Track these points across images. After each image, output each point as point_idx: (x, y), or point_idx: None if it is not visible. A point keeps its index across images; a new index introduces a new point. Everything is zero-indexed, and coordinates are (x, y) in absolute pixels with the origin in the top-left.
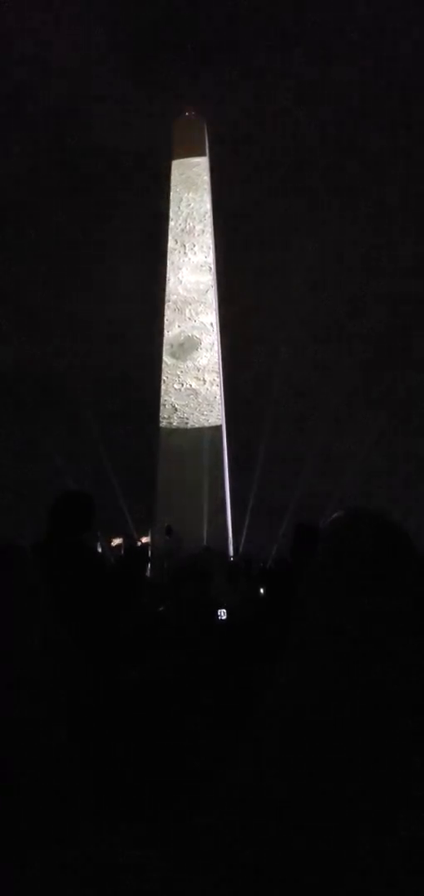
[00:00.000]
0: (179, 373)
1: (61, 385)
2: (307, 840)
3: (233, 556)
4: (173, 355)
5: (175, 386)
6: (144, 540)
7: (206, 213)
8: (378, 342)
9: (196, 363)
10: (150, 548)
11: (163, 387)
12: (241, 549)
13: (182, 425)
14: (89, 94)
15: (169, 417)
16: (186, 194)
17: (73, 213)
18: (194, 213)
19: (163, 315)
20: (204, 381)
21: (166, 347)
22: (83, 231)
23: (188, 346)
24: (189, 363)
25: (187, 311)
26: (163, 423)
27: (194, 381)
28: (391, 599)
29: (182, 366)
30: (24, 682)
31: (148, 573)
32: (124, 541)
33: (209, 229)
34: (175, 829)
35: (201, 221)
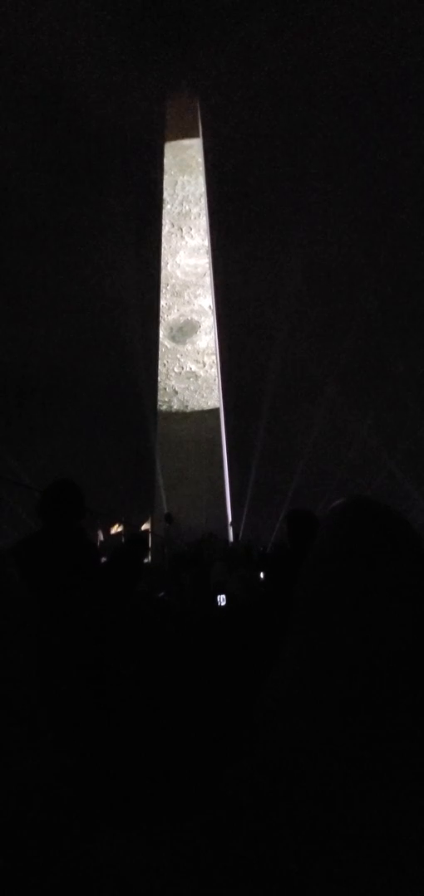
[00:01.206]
0: (178, 356)
1: (59, 374)
2: (309, 837)
3: (232, 542)
4: (172, 339)
5: (175, 369)
6: (144, 527)
7: (201, 195)
8: (377, 325)
9: (196, 346)
10: (150, 535)
11: (163, 370)
12: (240, 535)
13: (182, 408)
14: (80, 71)
15: (169, 401)
16: (180, 177)
17: (62, 194)
18: (190, 195)
19: (158, 299)
20: (204, 363)
21: (165, 331)
22: (74, 214)
23: (188, 330)
24: (189, 346)
25: (186, 294)
26: (163, 407)
27: (193, 365)
28: (393, 585)
29: (182, 349)
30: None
31: (148, 560)
32: (124, 528)
33: (205, 212)
34: (175, 828)
35: (196, 204)
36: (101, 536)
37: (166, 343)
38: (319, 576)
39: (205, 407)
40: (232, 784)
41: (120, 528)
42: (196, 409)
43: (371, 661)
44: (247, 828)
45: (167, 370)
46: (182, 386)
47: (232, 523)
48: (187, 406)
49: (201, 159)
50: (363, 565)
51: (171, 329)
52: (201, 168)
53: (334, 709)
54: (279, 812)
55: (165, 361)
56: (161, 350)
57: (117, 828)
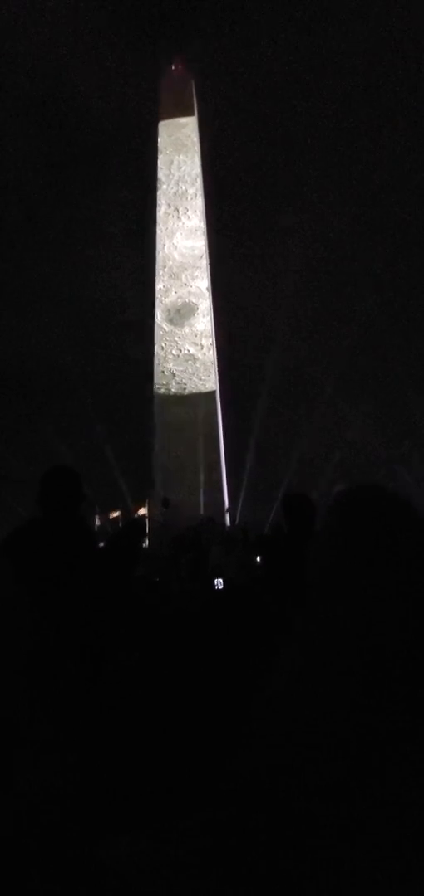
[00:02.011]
0: (176, 339)
1: (54, 358)
2: (309, 833)
3: (230, 526)
4: (170, 321)
5: (173, 352)
6: (142, 512)
7: (197, 175)
8: (377, 305)
9: (193, 329)
10: (147, 519)
11: (161, 353)
12: (238, 519)
13: (180, 391)
14: (70, 47)
15: (167, 384)
16: (176, 157)
17: (55, 176)
18: (186, 176)
19: (154, 282)
20: (201, 346)
21: (163, 314)
22: (68, 195)
23: (185, 312)
24: (187, 329)
25: (183, 276)
26: (161, 391)
27: (191, 347)
28: (399, 569)
29: (180, 332)
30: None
31: (146, 544)
32: (123, 514)
33: (201, 192)
34: (175, 827)
35: (193, 185)
36: (98, 521)
37: (164, 326)
38: (327, 565)
39: (202, 390)
40: (232, 781)
41: (117, 514)
42: (194, 391)
43: (381, 646)
44: (247, 826)
45: (165, 353)
46: (180, 369)
47: (229, 508)
48: (184, 389)
49: (196, 138)
50: (370, 547)
51: (168, 311)
52: (197, 147)
53: (338, 702)
54: (278, 809)
55: (162, 344)
56: (159, 333)
57: (118, 827)
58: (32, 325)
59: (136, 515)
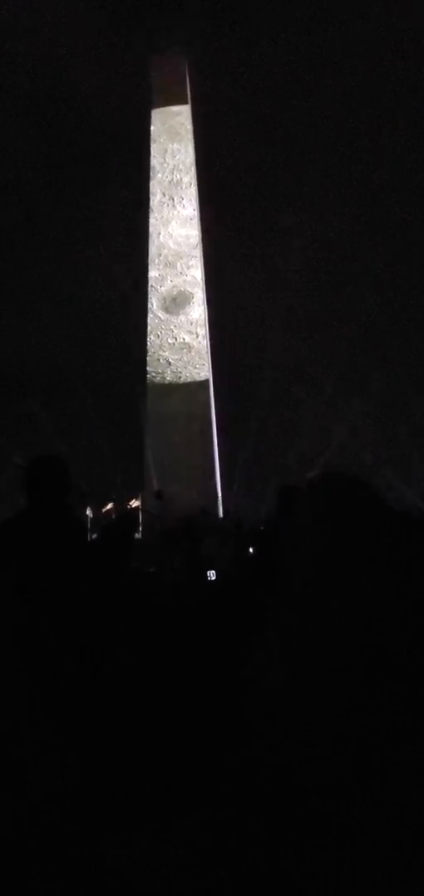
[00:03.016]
0: (172, 327)
1: (48, 350)
2: (309, 833)
3: (223, 518)
4: (166, 310)
5: (169, 340)
6: (135, 504)
7: (192, 164)
8: (373, 297)
9: (189, 317)
10: (140, 512)
11: (157, 342)
12: (230, 511)
13: (175, 380)
14: (70, 47)
15: (163, 372)
16: (170, 145)
17: (55, 176)
18: (181, 164)
19: (147, 273)
20: (197, 334)
21: (159, 302)
22: (68, 195)
23: (181, 301)
24: (182, 317)
25: (179, 265)
26: (156, 379)
27: (187, 335)
28: (365, 549)
29: (176, 320)
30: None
31: (139, 537)
32: (116, 506)
33: (195, 181)
34: (176, 827)
35: (188, 173)
36: (90, 513)
37: (159, 314)
38: (294, 550)
39: (197, 378)
40: (232, 780)
41: (110, 506)
42: (189, 379)
43: (354, 623)
44: (247, 826)
45: (161, 341)
46: (176, 357)
47: (222, 499)
48: (179, 377)
49: (190, 126)
50: (333, 532)
51: (164, 300)
52: (191, 136)
53: (325, 682)
54: (278, 809)
55: (158, 332)
56: (155, 321)
57: (118, 827)
58: (32, 325)
59: (128, 507)
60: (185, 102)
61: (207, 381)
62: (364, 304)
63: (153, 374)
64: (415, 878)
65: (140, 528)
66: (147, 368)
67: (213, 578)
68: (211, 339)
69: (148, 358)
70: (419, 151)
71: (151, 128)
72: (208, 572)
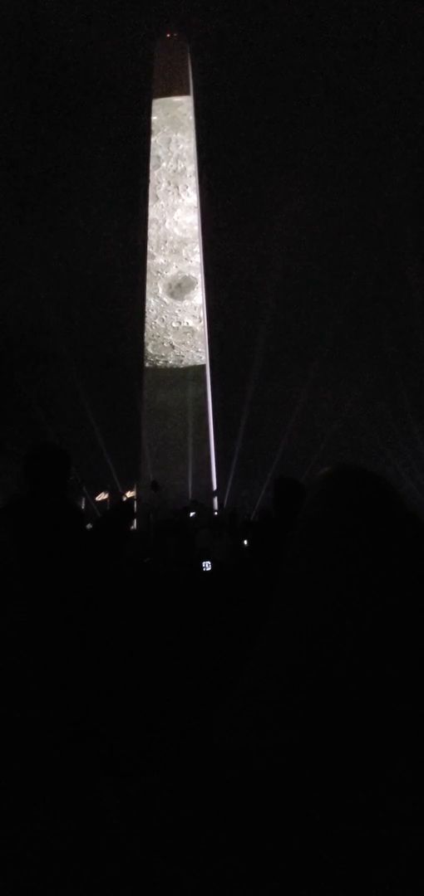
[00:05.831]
0: (176, 311)
1: (44, 338)
2: (309, 833)
3: (218, 510)
4: (171, 295)
5: (173, 325)
6: (130, 494)
7: (194, 153)
8: (366, 290)
9: (193, 302)
10: (135, 502)
11: (162, 326)
12: (226, 503)
13: (177, 363)
14: (63, 16)
15: (166, 356)
16: (174, 134)
17: (43, 142)
18: (184, 153)
19: (145, 263)
20: (200, 318)
21: (164, 288)
22: (59, 171)
23: (185, 286)
24: (186, 302)
25: (183, 251)
26: (159, 363)
27: (190, 320)
28: (380, 548)
29: (180, 305)
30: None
31: (134, 527)
32: (110, 496)
33: (197, 169)
34: (174, 823)
35: (191, 162)
36: (85, 503)
37: (164, 299)
38: (304, 543)
39: (198, 362)
40: (224, 736)
41: (106, 496)
42: (190, 364)
43: (353, 626)
44: (247, 826)
45: (166, 325)
46: (179, 341)
47: (217, 490)
48: (182, 360)
49: (192, 117)
50: (347, 531)
51: (169, 286)
52: (193, 125)
53: (326, 676)
54: (278, 807)
55: (163, 317)
56: (160, 306)
57: (115, 782)
58: (24, 302)
59: (124, 498)
60: (187, 93)
61: (204, 377)
62: (365, 293)
63: (157, 357)
64: (415, 878)
65: (135, 519)
66: (151, 352)
67: (208, 569)
68: (210, 322)
69: (153, 341)
70: (416, 130)
71: (154, 118)
72: (204, 563)
